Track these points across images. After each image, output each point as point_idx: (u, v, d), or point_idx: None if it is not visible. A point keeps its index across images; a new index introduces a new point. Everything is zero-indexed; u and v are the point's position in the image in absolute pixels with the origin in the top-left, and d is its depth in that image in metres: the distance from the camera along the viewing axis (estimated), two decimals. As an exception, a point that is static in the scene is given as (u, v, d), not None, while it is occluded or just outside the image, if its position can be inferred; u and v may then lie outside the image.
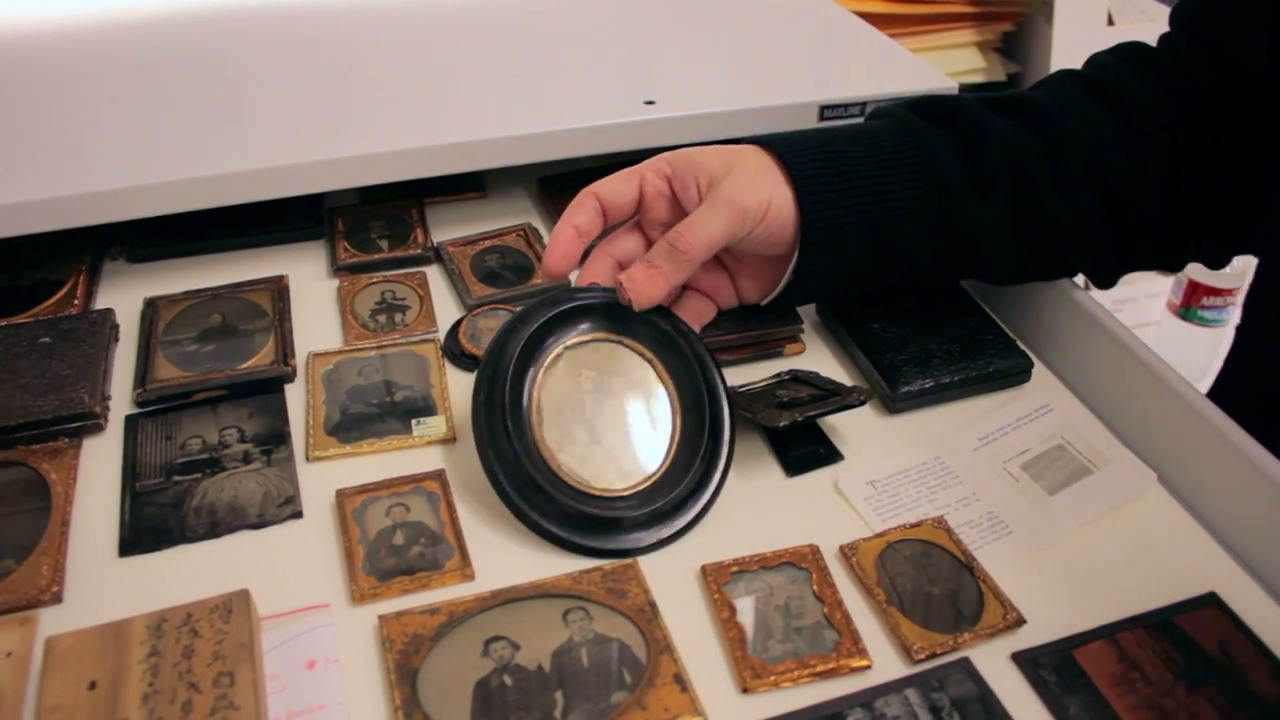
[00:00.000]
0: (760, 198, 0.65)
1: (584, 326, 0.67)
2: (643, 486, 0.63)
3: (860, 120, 0.80)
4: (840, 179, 0.67)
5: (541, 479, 0.61)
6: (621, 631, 0.56)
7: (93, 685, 0.51)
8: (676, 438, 0.65)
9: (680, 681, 0.53)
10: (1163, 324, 1.65)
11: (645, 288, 0.64)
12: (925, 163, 0.68)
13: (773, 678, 0.54)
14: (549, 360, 0.65)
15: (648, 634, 0.55)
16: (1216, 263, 0.76)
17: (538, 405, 0.64)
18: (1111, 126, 0.71)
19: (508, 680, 0.53)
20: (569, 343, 0.66)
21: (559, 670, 0.54)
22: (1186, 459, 0.66)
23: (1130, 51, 0.75)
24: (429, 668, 0.53)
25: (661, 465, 0.64)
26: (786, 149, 0.67)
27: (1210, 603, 0.58)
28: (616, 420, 0.65)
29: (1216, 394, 0.82)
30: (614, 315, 0.67)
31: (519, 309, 0.67)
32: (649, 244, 0.71)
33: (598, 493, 0.62)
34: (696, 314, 0.71)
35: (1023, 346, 0.74)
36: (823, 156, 0.67)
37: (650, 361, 0.67)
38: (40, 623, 0.56)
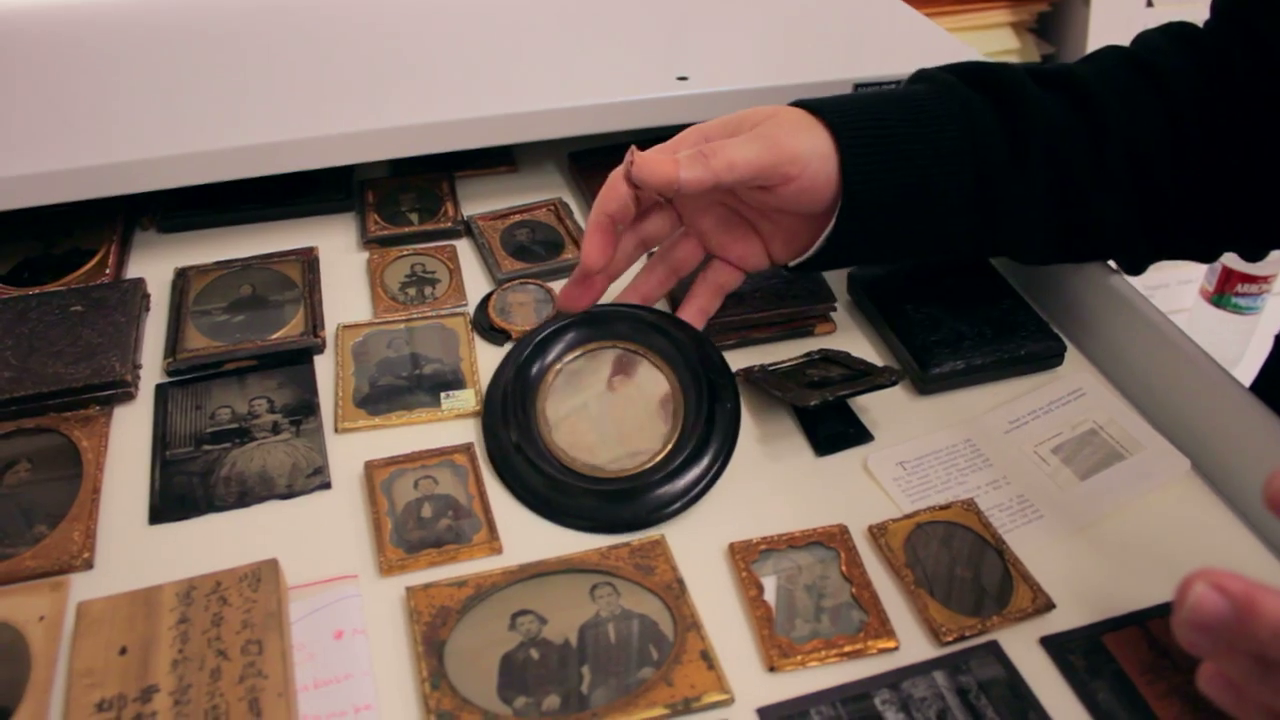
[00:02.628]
0: (801, 146, 0.64)
1: (572, 339, 0.68)
2: (656, 459, 0.63)
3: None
4: (884, 145, 0.66)
5: (555, 472, 0.62)
6: (649, 608, 0.55)
7: (123, 650, 0.51)
8: (681, 412, 0.65)
9: (707, 659, 0.53)
10: (1195, 310, 1.64)
11: (650, 162, 0.63)
12: (969, 131, 0.67)
13: (799, 657, 0.54)
14: (550, 379, 0.67)
15: (675, 611, 0.55)
16: (1252, 255, 0.75)
17: (544, 416, 0.65)
18: (1155, 111, 0.69)
19: (534, 654, 0.53)
20: (565, 359, 0.68)
21: (585, 645, 0.54)
22: (1221, 446, 0.65)
23: (1180, 34, 0.73)
24: (456, 640, 0.54)
25: (670, 439, 0.64)
26: (832, 113, 0.66)
27: (1243, 591, 0.58)
28: (621, 414, 0.66)
29: (1260, 386, 0.80)
30: (598, 323, 0.69)
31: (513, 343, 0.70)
32: (679, 219, 0.71)
33: (613, 475, 0.62)
34: (719, 287, 0.71)
35: (1056, 330, 0.73)
36: (868, 121, 0.66)
37: (643, 354, 0.68)
38: (72, 588, 0.56)
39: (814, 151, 0.64)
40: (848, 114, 0.66)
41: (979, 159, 0.67)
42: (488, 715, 0.50)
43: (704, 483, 0.62)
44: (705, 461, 0.63)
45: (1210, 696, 0.45)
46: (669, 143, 0.67)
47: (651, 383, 0.67)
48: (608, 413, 0.66)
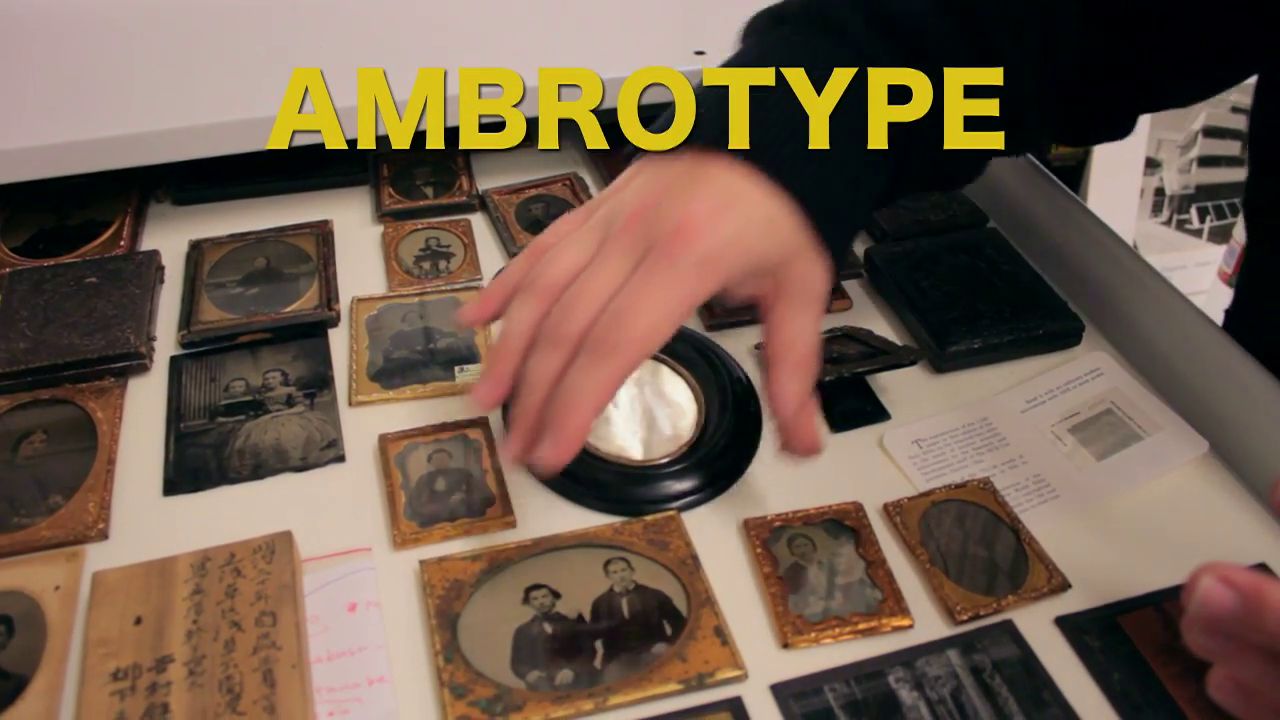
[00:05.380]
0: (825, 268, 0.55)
1: None
2: (677, 454, 0.63)
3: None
4: (853, 207, 0.57)
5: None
6: (662, 583, 0.55)
7: (138, 621, 0.51)
8: (702, 417, 0.65)
9: (721, 635, 0.53)
10: (1213, 292, 1.63)
11: (807, 436, 0.55)
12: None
13: (813, 634, 0.53)
14: None
15: (689, 586, 0.55)
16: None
17: None
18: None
19: (548, 628, 0.53)
20: None
21: (599, 619, 0.54)
22: (1240, 429, 0.64)
23: None
24: (470, 614, 0.54)
25: (691, 437, 0.64)
26: (823, 218, 0.53)
27: (1261, 573, 0.57)
28: (642, 414, 0.65)
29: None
30: None
31: None
32: None
33: (634, 464, 0.62)
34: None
35: (1074, 309, 0.73)
36: (844, 203, 0.56)
37: (665, 359, 0.68)
38: (87, 558, 0.56)
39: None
40: (823, 200, 0.54)
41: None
42: (501, 688, 0.50)
43: (725, 477, 0.62)
44: (729, 458, 0.63)
45: (1221, 702, 0.45)
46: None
47: (671, 387, 0.67)
48: (629, 415, 0.65)
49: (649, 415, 0.65)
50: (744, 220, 0.51)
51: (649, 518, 0.59)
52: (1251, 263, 0.85)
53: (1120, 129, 0.71)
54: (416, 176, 0.87)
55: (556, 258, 0.53)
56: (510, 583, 0.55)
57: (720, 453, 0.62)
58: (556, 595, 0.55)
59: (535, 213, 0.83)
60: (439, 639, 0.52)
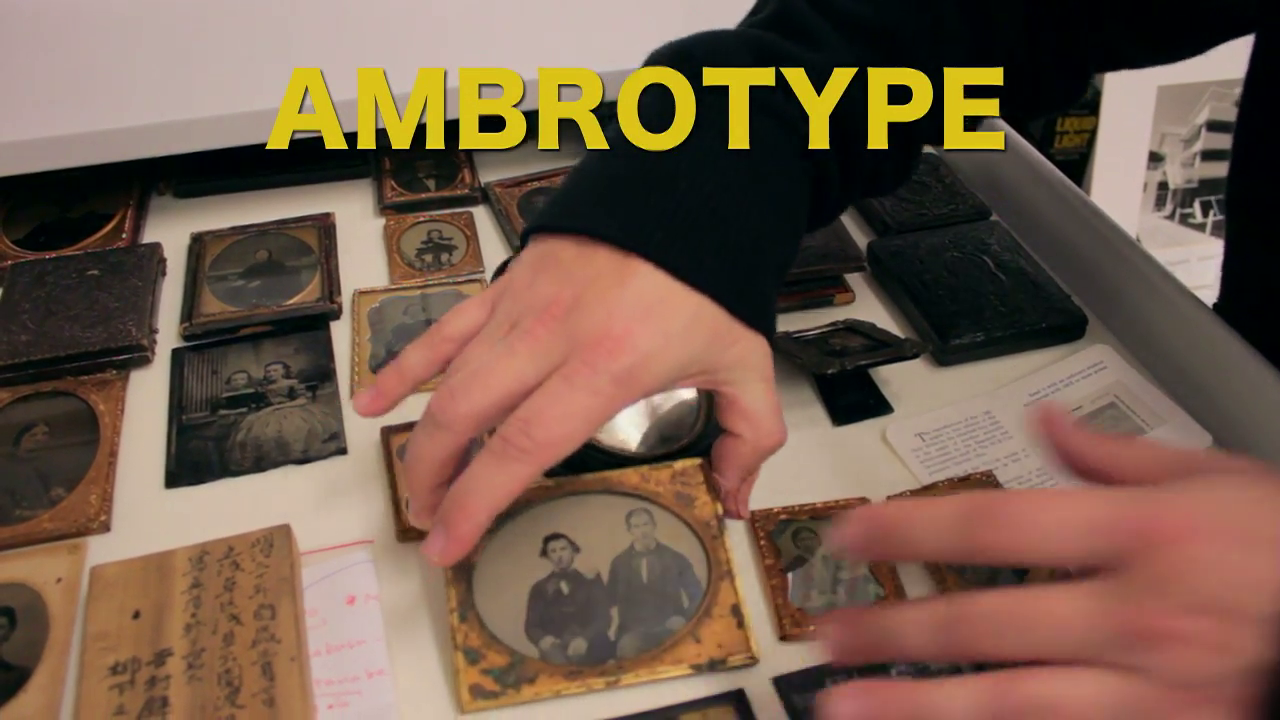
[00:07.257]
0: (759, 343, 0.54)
1: None
2: (680, 447, 0.62)
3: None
4: (768, 279, 0.55)
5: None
6: (684, 546, 0.55)
7: (137, 614, 0.51)
8: (705, 410, 0.64)
9: (738, 614, 0.52)
10: (1216, 286, 1.62)
11: (743, 504, 0.58)
12: (819, 214, 0.59)
13: (811, 627, 0.53)
14: None
15: (711, 554, 0.54)
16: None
17: None
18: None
19: (564, 588, 0.53)
20: None
21: (617, 582, 0.53)
22: (1242, 422, 0.64)
23: None
24: (486, 564, 0.53)
25: (694, 429, 0.63)
26: (758, 317, 0.53)
27: (1264, 567, 0.57)
28: (644, 406, 0.64)
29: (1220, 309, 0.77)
30: None
31: None
32: None
33: (636, 457, 0.61)
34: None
35: (1077, 302, 0.73)
36: (760, 279, 0.54)
37: None
38: (89, 550, 0.56)
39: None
40: (753, 301, 0.53)
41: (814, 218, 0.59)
42: (515, 657, 0.50)
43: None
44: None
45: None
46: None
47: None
48: (631, 415, 0.64)
49: (651, 407, 0.65)
50: (664, 329, 0.49)
51: (677, 466, 0.58)
52: (1231, 259, 0.85)
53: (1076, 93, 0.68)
54: (419, 169, 0.87)
55: (466, 366, 0.51)
56: (528, 528, 0.55)
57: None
58: (575, 549, 0.54)
59: (537, 205, 0.83)
60: (454, 594, 0.52)
